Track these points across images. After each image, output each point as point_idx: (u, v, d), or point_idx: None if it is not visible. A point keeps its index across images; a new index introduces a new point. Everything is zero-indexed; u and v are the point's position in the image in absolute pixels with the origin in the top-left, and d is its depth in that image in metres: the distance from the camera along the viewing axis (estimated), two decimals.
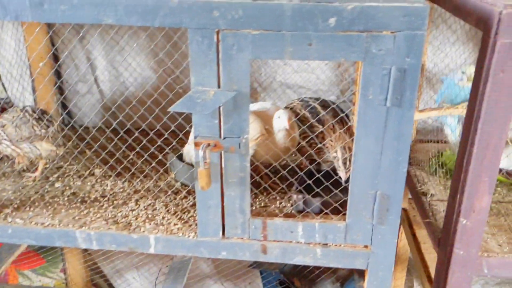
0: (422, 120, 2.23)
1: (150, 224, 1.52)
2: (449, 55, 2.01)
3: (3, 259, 1.95)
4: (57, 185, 1.75)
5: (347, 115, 1.65)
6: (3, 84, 2.03)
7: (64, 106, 2.19)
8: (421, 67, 1.99)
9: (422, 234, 2.01)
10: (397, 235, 1.39)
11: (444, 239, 1.46)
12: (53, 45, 2.12)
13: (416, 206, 1.78)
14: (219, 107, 1.28)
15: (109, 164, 1.59)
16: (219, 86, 1.26)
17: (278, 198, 1.63)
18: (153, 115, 1.41)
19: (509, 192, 1.75)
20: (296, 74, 2.12)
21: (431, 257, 1.88)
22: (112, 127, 1.57)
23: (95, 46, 2.13)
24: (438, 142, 2.14)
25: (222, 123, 1.30)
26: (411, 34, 1.15)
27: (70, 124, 1.65)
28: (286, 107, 1.80)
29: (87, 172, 1.83)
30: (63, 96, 2.18)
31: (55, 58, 2.17)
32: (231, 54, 1.22)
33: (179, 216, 1.55)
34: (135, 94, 2.15)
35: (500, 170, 1.83)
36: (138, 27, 2.01)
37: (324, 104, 1.66)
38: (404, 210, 2.26)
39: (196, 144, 1.32)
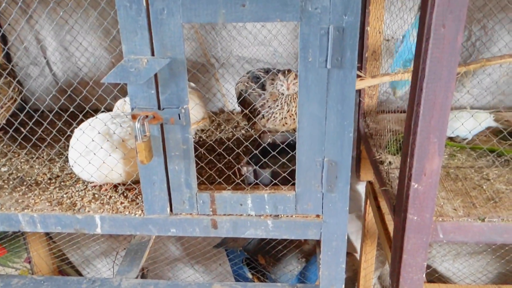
0: (385, 91, 2.19)
1: (95, 203, 1.46)
2: (407, 22, 1.96)
3: None
4: (3, 169, 1.68)
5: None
6: None
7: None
8: (378, 34, 1.96)
9: (386, 205, 1.98)
10: (348, 203, 1.35)
11: (398, 205, 1.43)
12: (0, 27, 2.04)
13: (375, 175, 1.74)
14: (155, 76, 1.22)
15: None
16: (152, 54, 1.20)
17: (227, 171, 1.57)
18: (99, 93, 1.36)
19: (468, 158, 1.72)
20: (253, 47, 2.06)
21: None
22: (59, 105, 1.48)
23: (43, 26, 2.05)
24: (401, 112, 2.10)
25: (159, 94, 1.25)
26: None
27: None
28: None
29: (36, 156, 1.76)
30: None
31: (4, 41, 2.09)
32: (161, 19, 1.16)
33: (125, 195, 1.50)
34: (88, 75, 2.07)
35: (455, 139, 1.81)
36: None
37: (268, 71, 1.62)
38: (369, 182, 2.23)
39: (133, 117, 1.26)
